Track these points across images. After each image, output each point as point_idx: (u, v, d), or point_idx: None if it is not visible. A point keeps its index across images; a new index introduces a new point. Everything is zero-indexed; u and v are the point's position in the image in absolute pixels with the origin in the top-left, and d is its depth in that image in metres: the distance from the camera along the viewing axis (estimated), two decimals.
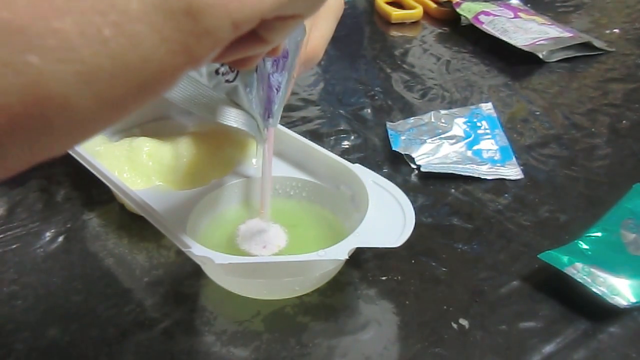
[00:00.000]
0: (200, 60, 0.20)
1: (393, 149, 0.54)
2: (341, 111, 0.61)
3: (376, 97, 0.63)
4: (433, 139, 0.54)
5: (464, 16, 0.79)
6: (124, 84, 0.19)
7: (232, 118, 0.37)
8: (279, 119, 0.39)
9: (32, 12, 0.16)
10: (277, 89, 0.37)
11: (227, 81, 0.35)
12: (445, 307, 0.39)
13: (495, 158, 0.53)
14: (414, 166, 0.52)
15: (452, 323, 0.37)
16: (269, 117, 0.38)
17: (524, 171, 0.51)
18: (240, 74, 0.36)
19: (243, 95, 0.36)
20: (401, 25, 0.82)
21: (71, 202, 0.47)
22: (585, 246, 0.41)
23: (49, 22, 0.17)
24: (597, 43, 0.73)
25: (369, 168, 0.42)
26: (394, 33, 0.80)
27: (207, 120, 0.40)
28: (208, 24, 0.19)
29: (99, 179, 0.42)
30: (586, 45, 0.72)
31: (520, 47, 0.71)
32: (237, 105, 0.38)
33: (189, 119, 0.51)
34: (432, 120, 0.57)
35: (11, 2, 0.16)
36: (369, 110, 0.61)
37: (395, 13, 0.81)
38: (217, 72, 0.36)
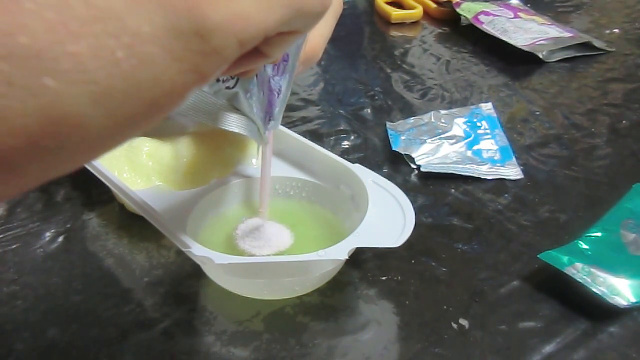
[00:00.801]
0: (208, 77, 0.21)
1: (393, 149, 0.54)
2: (341, 111, 0.61)
3: (376, 97, 0.63)
4: (433, 139, 0.54)
5: (464, 16, 0.79)
6: (136, 103, 0.19)
7: (233, 123, 0.37)
8: (280, 121, 0.39)
9: (49, 37, 0.17)
10: (277, 93, 0.37)
11: (227, 88, 0.36)
12: (445, 307, 0.39)
13: (495, 158, 0.53)
14: (414, 166, 0.52)
15: (452, 323, 0.37)
16: (269, 120, 0.38)
17: (524, 171, 0.51)
18: (240, 80, 0.36)
19: (244, 100, 0.37)
20: (401, 25, 0.82)
21: (71, 202, 0.47)
22: (585, 246, 0.41)
23: (65, 46, 0.17)
24: (597, 43, 0.73)
25: (369, 168, 0.42)
26: (394, 33, 0.80)
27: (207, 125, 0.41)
28: (216, 43, 0.20)
29: (99, 179, 0.42)
30: (586, 45, 0.72)
31: (520, 47, 0.71)
32: (237, 110, 0.38)
33: (189, 119, 0.51)
34: (432, 120, 0.57)
35: (29, 28, 0.17)
36: (369, 110, 0.61)
37: (395, 13, 0.81)
38: (217, 79, 0.36)
